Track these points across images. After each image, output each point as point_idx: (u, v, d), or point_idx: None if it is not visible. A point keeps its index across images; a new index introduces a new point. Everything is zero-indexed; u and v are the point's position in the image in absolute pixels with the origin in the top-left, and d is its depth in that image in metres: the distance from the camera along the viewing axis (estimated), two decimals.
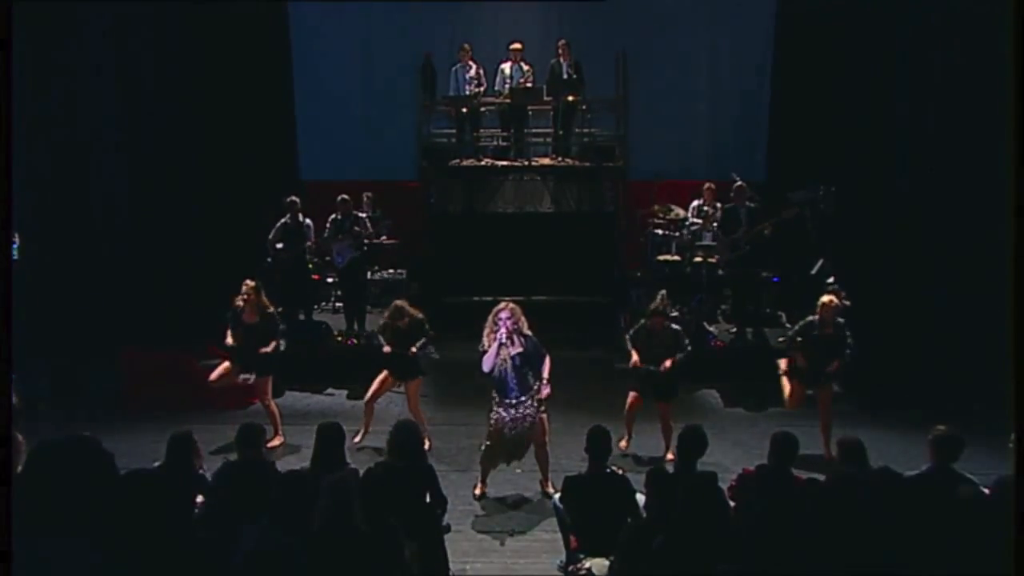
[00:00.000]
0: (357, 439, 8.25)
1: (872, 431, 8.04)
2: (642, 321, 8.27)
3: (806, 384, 8.22)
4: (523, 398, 7.05)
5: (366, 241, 11.06)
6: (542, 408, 7.16)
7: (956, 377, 9.25)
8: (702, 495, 4.36)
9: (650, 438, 8.38)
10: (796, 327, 8.33)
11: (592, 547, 5.39)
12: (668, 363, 8.05)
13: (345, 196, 11.10)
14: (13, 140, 4.17)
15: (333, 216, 11.02)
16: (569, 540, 5.73)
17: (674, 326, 8.35)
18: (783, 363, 8.32)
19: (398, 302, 8.62)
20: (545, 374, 7.16)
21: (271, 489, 4.61)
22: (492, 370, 7.05)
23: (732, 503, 5.06)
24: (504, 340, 7.01)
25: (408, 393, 8.43)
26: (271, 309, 8.58)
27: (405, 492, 5.42)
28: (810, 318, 8.16)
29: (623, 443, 8.17)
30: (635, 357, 8.11)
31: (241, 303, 8.43)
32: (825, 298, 8.18)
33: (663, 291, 8.58)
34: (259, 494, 4.81)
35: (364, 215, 11.39)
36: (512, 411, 7.04)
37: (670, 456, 8.05)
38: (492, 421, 7.13)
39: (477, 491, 7.40)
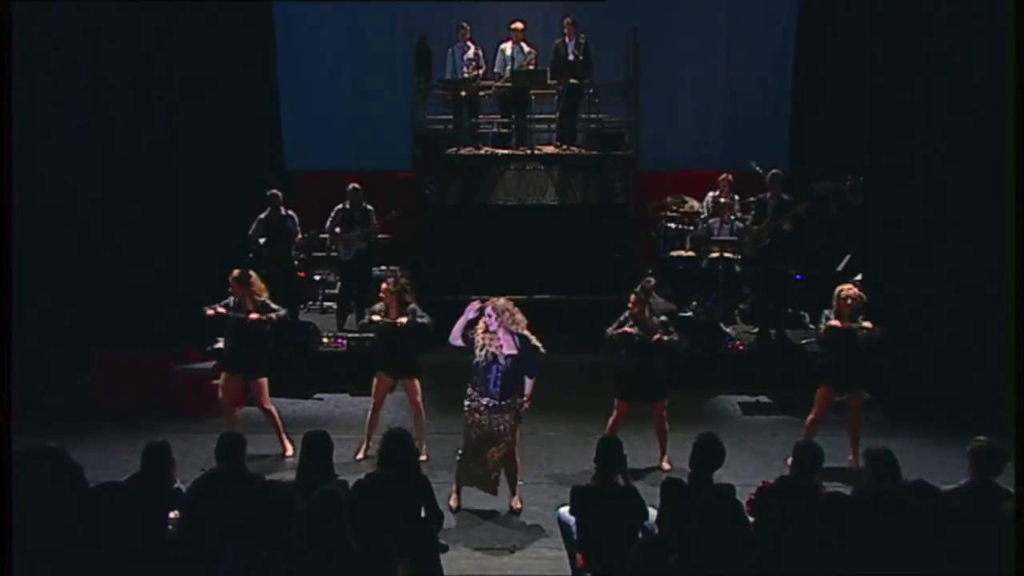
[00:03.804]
0: (360, 455, 8.25)
1: (904, 440, 8.04)
2: (624, 315, 8.20)
3: (836, 390, 8.16)
4: (502, 403, 7.06)
5: (374, 233, 11.11)
6: (520, 423, 7.20)
7: (997, 382, 9.20)
8: (719, 509, 4.34)
9: (651, 447, 8.37)
10: (821, 325, 8.26)
11: (600, 565, 5.37)
12: (663, 320, 8.08)
13: (356, 185, 11.16)
14: None
15: (340, 206, 11.09)
16: (575, 558, 5.72)
17: (662, 318, 8.25)
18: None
19: (384, 288, 8.42)
20: (528, 389, 7.17)
21: (253, 503, 4.59)
22: (474, 359, 7.09)
23: (751, 518, 5.05)
24: (493, 328, 7.03)
25: (409, 392, 8.41)
26: (258, 299, 8.41)
27: (398, 506, 5.41)
28: (824, 313, 8.12)
29: None
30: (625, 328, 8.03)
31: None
32: (842, 289, 8.06)
33: (650, 277, 8.58)
34: (240, 509, 4.79)
35: (370, 207, 11.36)
36: (485, 414, 7.06)
37: (666, 465, 8.10)
38: (464, 420, 7.18)
39: (452, 503, 7.39)
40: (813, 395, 9.69)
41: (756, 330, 10.98)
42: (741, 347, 10.72)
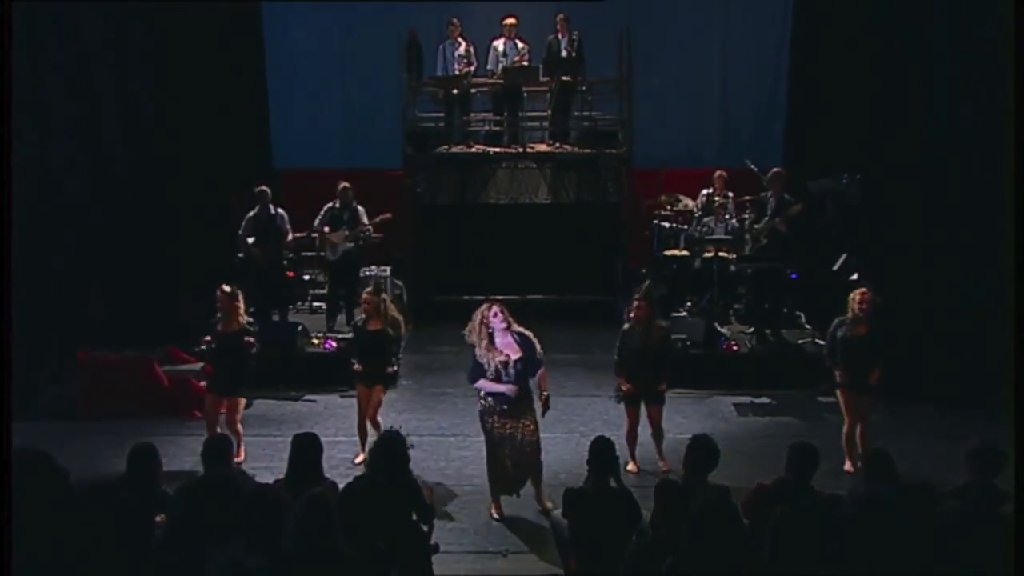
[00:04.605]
0: (358, 460, 8.26)
1: (903, 441, 8.05)
2: (625, 326, 8.23)
3: (855, 392, 8.10)
4: (516, 408, 7.07)
5: (362, 235, 11.09)
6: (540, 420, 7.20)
7: (996, 382, 9.21)
8: (714, 512, 4.33)
9: (644, 449, 8.38)
10: (832, 330, 8.18)
11: (594, 568, 5.37)
12: (662, 387, 8.17)
13: (346, 184, 11.14)
14: None
15: (330, 205, 11.07)
16: (568, 561, 5.72)
17: (661, 322, 8.29)
18: (839, 374, 8.19)
19: (368, 299, 8.38)
20: (542, 381, 7.21)
21: (241, 507, 4.58)
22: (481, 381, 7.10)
23: (747, 520, 5.04)
24: (500, 328, 7.03)
25: (372, 399, 8.40)
26: (243, 319, 8.36)
27: (389, 509, 5.39)
28: (841, 317, 8.11)
29: (631, 466, 8.16)
30: (625, 386, 8.11)
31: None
32: (856, 292, 8.09)
33: (648, 280, 8.60)
34: (227, 512, 4.77)
35: (361, 208, 11.36)
36: (501, 418, 7.07)
37: (664, 466, 8.12)
38: (485, 429, 7.17)
39: (494, 512, 7.39)
40: (810, 395, 9.71)
41: (751, 330, 10.99)
42: (736, 347, 10.72)
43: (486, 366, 7.06)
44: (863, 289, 8.13)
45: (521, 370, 7.06)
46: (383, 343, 8.28)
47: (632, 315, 8.17)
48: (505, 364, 7.03)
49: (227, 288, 8.27)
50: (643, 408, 8.20)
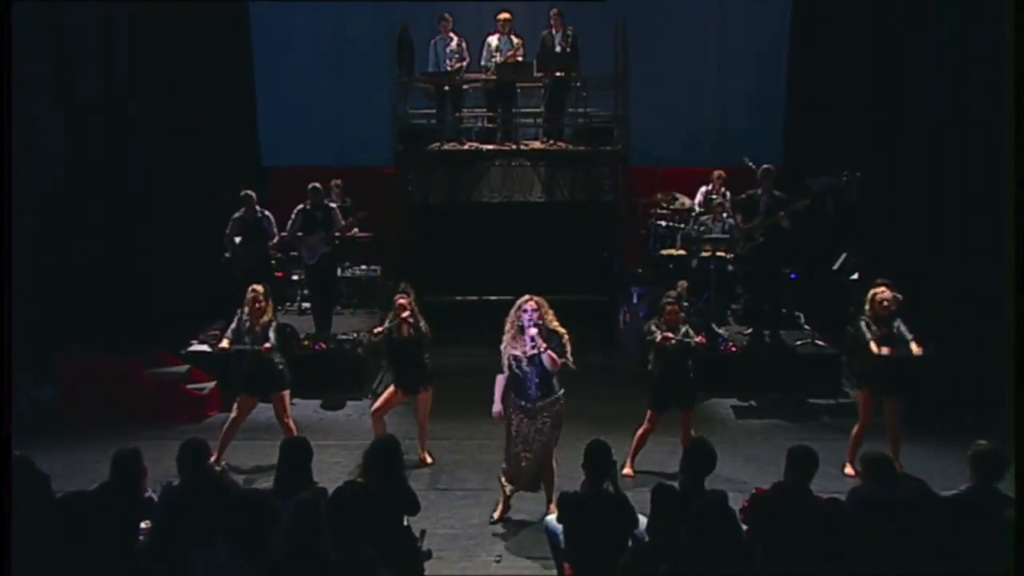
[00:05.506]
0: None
1: (904, 445, 8.06)
2: (656, 335, 8.23)
3: (875, 394, 8.11)
4: (541, 404, 7.06)
5: (337, 235, 11.01)
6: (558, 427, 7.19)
7: (998, 385, 9.21)
8: (712, 517, 4.34)
9: (651, 451, 8.38)
10: (859, 333, 8.07)
11: (588, 574, 5.36)
12: (701, 338, 8.17)
13: (316, 184, 11.05)
14: None
15: (301, 207, 10.96)
16: (562, 567, 5.71)
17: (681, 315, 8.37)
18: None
19: (402, 304, 8.44)
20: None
21: (228, 512, 4.57)
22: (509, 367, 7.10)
23: (745, 526, 5.05)
24: (530, 323, 7.00)
25: (419, 405, 8.49)
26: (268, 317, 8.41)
27: (381, 514, 5.39)
28: (863, 319, 8.04)
29: (627, 470, 8.15)
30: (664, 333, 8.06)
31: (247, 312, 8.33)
32: (876, 292, 8.03)
33: (684, 281, 8.49)
34: (214, 518, 4.77)
35: (333, 205, 11.34)
36: (526, 416, 7.07)
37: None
38: (506, 424, 7.18)
39: (496, 515, 7.40)
40: (807, 397, 9.69)
41: (750, 331, 10.98)
42: (734, 349, 10.71)
43: (501, 357, 7.08)
44: (884, 288, 8.07)
45: (536, 367, 7.03)
46: (421, 346, 8.37)
47: (669, 319, 8.14)
48: (518, 359, 7.03)
49: (261, 288, 8.33)
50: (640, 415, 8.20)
